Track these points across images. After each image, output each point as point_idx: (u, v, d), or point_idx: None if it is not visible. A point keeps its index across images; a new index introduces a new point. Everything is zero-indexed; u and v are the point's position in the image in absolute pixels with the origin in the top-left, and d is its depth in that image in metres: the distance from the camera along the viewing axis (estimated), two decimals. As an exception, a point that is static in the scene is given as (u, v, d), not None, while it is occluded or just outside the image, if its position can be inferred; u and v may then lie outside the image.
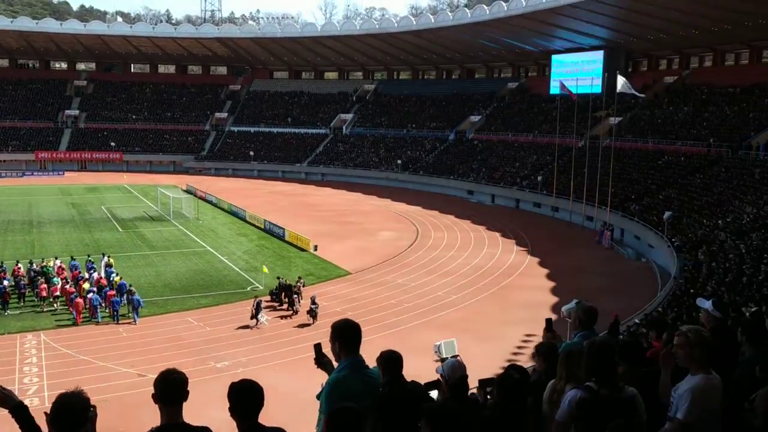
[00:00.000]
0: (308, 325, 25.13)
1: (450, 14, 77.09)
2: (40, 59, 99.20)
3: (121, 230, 44.44)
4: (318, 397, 3.90)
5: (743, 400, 4.29)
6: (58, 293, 26.87)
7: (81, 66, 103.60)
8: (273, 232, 43.92)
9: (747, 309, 20.64)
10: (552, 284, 32.17)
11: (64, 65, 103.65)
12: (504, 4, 64.00)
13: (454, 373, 4.10)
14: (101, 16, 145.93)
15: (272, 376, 19.53)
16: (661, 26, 56.17)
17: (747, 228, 32.11)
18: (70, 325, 24.80)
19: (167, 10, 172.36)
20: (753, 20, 50.30)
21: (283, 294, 27.62)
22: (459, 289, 31.06)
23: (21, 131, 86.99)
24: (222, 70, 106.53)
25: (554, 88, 63.16)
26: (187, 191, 63.16)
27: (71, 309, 25.33)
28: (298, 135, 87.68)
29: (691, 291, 25.67)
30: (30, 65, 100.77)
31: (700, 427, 3.94)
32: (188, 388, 3.34)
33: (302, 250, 38.94)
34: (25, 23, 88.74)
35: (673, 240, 35.20)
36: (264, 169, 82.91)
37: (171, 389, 3.26)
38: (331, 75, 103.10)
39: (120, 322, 24.99)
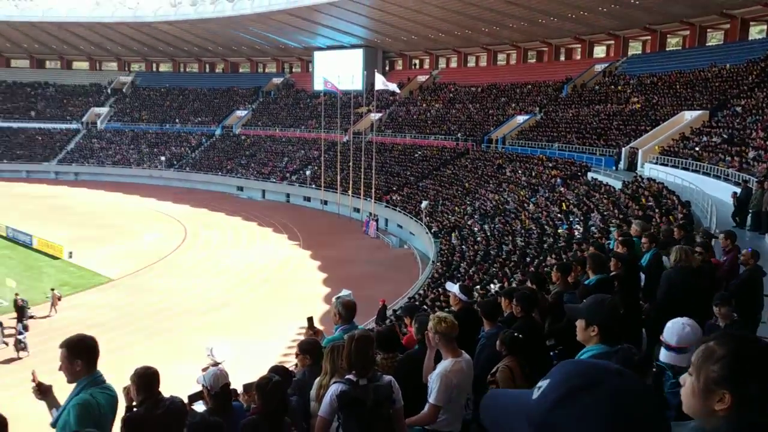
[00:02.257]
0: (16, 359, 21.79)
1: (211, 6, 74.75)
2: None
3: None
4: (54, 424, 3.55)
5: (486, 374, 4.82)
6: None
7: None
8: (17, 239, 39.17)
9: (493, 285, 23.22)
10: (324, 276, 33.09)
11: None
12: (266, -2, 63.93)
13: (216, 382, 4.03)
14: None
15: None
16: (412, 29, 60.42)
17: (491, 213, 36.03)
18: None
19: None
20: (489, 27, 56.45)
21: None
22: (233, 288, 30.59)
23: None
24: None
25: (318, 85, 64.73)
26: None
27: None
28: (45, 130, 79.07)
29: (447, 273, 28.16)
30: None
31: (453, 407, 4.35)
32: None
33: (54, 258, 35.31)
34: None
35: (430, 227, 38.22)
36: (3, 169, 73.46)
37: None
38: (82, 65, 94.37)
39: None
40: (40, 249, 36.88)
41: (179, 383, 7.48)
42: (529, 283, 8.57)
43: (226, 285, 31.09)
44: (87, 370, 3.55)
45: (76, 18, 77.06)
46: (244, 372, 10.26)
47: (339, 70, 62.20)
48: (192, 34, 75.14)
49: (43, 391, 3.67)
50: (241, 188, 62.65)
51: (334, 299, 5.36)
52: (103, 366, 3.68)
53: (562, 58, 60.64)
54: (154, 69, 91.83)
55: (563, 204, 30.89)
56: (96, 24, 76.39)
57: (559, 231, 26.91)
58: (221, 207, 53.11)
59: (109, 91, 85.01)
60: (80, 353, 3.55)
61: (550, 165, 38.82)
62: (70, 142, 77.31)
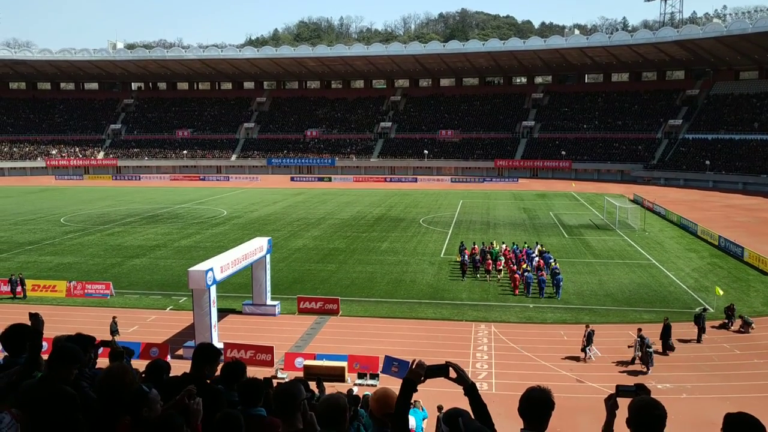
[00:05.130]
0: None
1: None
2: (504, 76, 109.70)
3: (566, 236, 45.92)
4: None
5: None
6: (501, 267, 33.81)
7: (538, 79, 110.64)
8: (729, 250, 39.59)
9: None
10: None
11: (523, 80, 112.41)
12: None
13: None
14: (559, 30, 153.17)
15: (713, 407, 17.60)
16: None
17: None
18: (511, 297, 30.06)
19: (623, 18, 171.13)
20: None
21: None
22: None
23: (484, 141, 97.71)
24: (679, 74, 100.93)
25: None
26: (634, 201, 61.71)
27: (512, 282, 31.15)
28: (766, 142, 77.19)
29: None
30: (495, 82, 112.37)
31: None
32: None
33: (764, 273, 34.15)
34: (493, 44, 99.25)
35: None
36: (721, 180, 75.53)
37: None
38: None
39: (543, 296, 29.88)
40: (750, 262, 36.31)
41: None
42: None
43: None
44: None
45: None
46: None
47: None
48: None
49: None
50: None
51: None
52: None
53: None
54: None
55: None
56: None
57: None
58: None
59: None
60: None
61: None
62: (792, 154, 73.21)
